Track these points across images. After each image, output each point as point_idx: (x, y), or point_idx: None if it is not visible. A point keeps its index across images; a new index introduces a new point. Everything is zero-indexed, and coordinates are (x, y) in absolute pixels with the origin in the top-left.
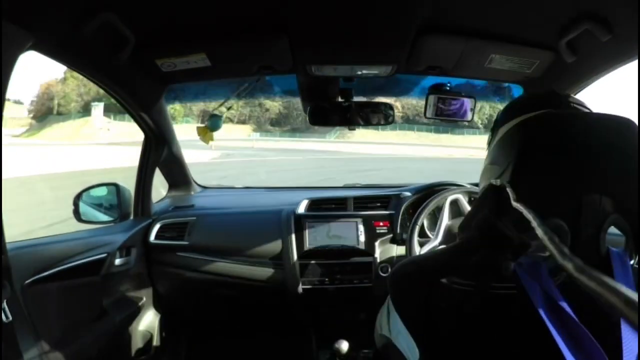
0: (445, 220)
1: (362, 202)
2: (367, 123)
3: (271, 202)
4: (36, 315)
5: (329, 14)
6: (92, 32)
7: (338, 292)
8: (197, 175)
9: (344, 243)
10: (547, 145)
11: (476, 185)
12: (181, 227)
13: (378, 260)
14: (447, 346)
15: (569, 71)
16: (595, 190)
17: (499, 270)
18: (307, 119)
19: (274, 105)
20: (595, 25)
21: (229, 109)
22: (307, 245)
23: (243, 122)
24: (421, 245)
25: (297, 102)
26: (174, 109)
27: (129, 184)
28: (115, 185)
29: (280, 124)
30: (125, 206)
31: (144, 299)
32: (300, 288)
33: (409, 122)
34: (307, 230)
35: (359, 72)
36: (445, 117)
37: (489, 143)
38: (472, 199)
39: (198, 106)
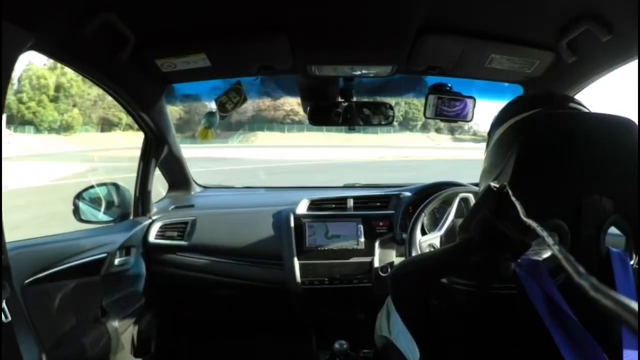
0: (452, 215)
1: (362, 202)
2: (367, 123)
3: (271, 202)
4: (36, 315)
5: (329, 14)
6: (92, 32)
7: (338, 292)
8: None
9: (344, 243)
10: (546, 145)
11: (477, 185)
12: (181, 227)
13: (378, 260)
14: (447, 346)
15: (569, 71)
16: (595, 191)
17: (499, 270)
18: (307, 118)
19: (174, 109)
20: (595, 26)
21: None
22: (307, 245)
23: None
24: (423, 236)
25: (198, 106)
26: (71, 117)
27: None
28: (115, 184)
29: (181, 129)
30: (125, 206)
31: (144, 299)
32: (300, 288)
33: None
34: (307, 230)
35: (359, 72)
36: (445, 117)
37: (487, 145)
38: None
39: (97, 113)
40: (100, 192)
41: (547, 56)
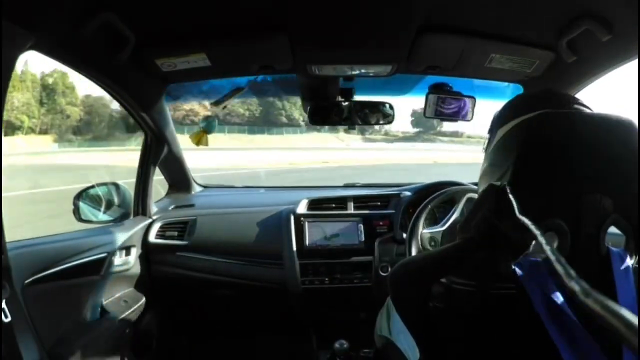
0: (457, 213)
1: (362, 202)
2: (367, 122)
3: (271, 201)
4: (36, 315)
5: (329, 14)
6: (92, 32)
7: (338, 292)
8: None
9: (344, 242)
10: (547, 146)
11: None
12: (181, 226)
13: (378, 260)
14: (447, 346)
15: (569, 71)
16: (595, 190)
17: (499, 270)
18: (307, 118)
19: (74, 110)
20: (595, 25)
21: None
22: (307, 244)
23: (45, 132)
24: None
25: (100, 107)
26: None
27: None
28: (116, 184)
29: (81, 132)
30: (125, 206)
31: (144, 298)
32: (300, 288)
33: (219, 123)
34: (307, 230)
35: (359, 72)
36: (445, 117)
37: (487, 145)
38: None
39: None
40: (101, 191)
41: (547, 56)
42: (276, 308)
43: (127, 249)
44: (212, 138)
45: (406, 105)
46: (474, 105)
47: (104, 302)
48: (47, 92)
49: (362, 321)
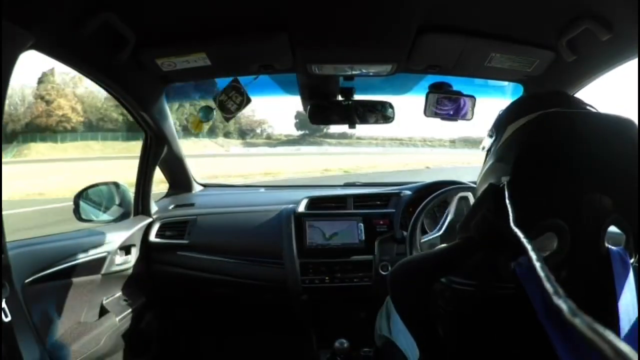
0: (451, 214)
1: (362, 201)
2: (367, 122)
3: (271, 200)
4: (36, 314)
5: (330, 13)
6: (92, 32)
7: (338, 291)
8: None
9: (344, 242)
10: (547, 146)
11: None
12: (181, 226)
13: (378, 259)
14: (446, 346)
15: (569, 70)
16: (595, 190)
17: (498, 270)
18: (307, 117)
19: None
20: (595, 24)
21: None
22: (307, 244)
23: None
24: (423, 235)
25: None
26: None
27: None
28: (116, 184)
29: None
30: (125, 205)
31: (144, 298)
32: (300, 287)
33: (92, 129)
34: (307, 229)
35: (359, 71)
36: (445, 117)
37: (494, 142)
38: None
39: None
40: (101, 191)
41: (547, 55)
42: (276, 307)
43: (127, 248)
44: (84, 146)
45: (290, 106)
46: (473, 105)
47: (104, 302)
48: None
49: (362, 320)
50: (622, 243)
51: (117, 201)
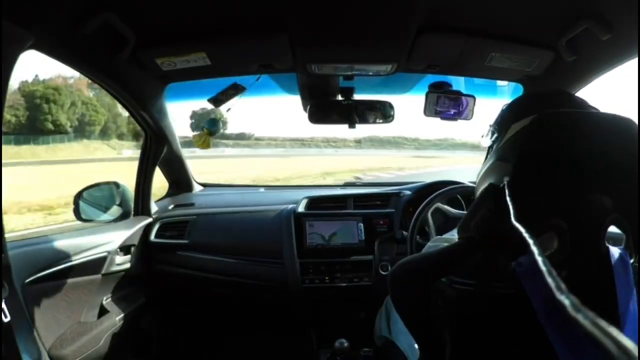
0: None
1: (362, 201)
2: (367, 121)
3: (271, 200)
4: (36, 314)
5: (329, 13)
6: (92, 32)
7: (338, 291)
8: None
9: (344, 241)
10: (549, 146)
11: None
12: (181, 225)
13: (378, 259)
14: (447, 346)
15: (568, 70)
16: (595, 190)
17: (498, 270)
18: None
19: None
20: (595, 24)
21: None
22: (308, 243)
23: None
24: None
25: None
26: None
27: None
28: (116, 183)
29: None
30: (125, 205)
31: (144, 298)
32: (300, 287)
33: None
34: (307, 229)
35: (359, 71)
36: (445, 116)
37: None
38: (472, 197)
39: None
40: (101, 191)
41: (546, 55)
42: (277, 307)
43: (127, 248)
44: None
45: (185, 107)
46: (473, 105)
47: (104, 302)
48: None
49: (362, 320)
50: (622, 243)
51: (117, 201)
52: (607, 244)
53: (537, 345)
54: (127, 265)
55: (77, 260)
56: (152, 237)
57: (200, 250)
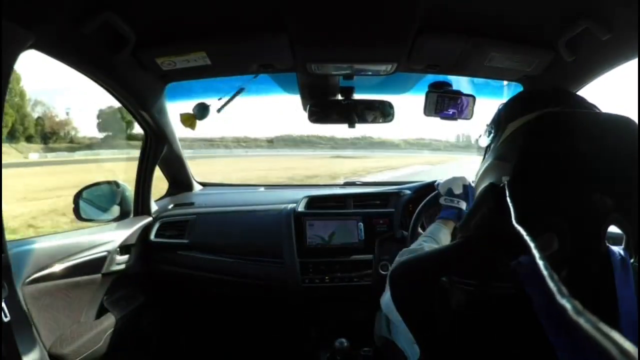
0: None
1: (362, 200)
2: (366, 121)
3: (271, 200)
4: (36, 314)
5: (329, 13)
6: (92, 31)
7: (338, 290)
8: None
9: (344, 241)
10: (549, 145)
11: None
12: (181, 225)
13: (378, 258)
14: (447, 345)
15: (568, 70)
16: (595, 190)
17: (498, 269)
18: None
19: None
20: (595, 24)
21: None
22: (307, 243)
23: None
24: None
25: None
26: None
27: None
28: (116, 183)
29: None
30: (125, 204)
31: (144, 297)
32: (300, 286)
33: None
34: (307, 228)
35: (359, 71)
36: (445, 116)
37: (494, 139)
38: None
39: None
40: (101, 190)
41: (546, 55)
42: (276, 307)
43: (127, 247)
44: None
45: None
46: (473, 104)
47: (104, 301)
48: None
49: (362, 320)
50: (622, 243)
51: (117, 200)
52: (607, 244)
53: (537, 346)
54: (127, 265)
55: (77, 259)
56: (152, 236)
57: (200, 249)
